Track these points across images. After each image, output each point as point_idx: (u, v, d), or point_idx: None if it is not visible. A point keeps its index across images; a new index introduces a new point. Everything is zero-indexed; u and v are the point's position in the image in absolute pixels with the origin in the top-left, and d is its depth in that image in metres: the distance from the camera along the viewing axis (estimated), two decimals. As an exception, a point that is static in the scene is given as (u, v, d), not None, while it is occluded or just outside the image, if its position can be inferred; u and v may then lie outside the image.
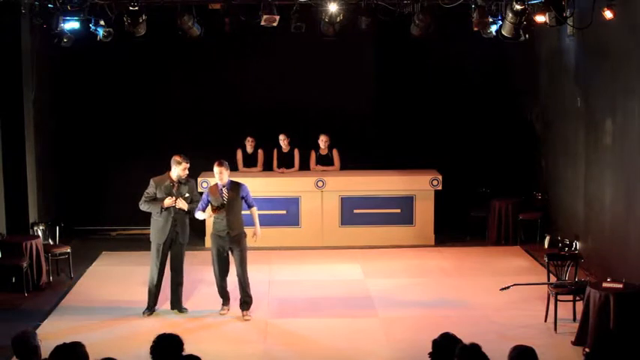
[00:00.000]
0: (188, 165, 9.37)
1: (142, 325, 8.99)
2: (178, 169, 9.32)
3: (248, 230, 9.49)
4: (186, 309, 9.58)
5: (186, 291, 9.85)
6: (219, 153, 13.00)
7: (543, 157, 13.06)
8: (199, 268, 11.04)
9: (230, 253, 9.43)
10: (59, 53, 12.03)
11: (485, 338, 6.35)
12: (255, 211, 9.55)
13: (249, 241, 9.49)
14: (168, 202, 9.28)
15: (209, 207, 9.42)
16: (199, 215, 9.45)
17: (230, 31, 11.56)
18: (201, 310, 9.61)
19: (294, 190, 12.51)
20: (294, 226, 12.59)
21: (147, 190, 9.43)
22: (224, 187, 9.36)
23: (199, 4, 11.07)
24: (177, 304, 9.57)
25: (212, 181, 11.96)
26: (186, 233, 9.54)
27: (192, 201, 9.48)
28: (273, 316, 9.45)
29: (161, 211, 9.33)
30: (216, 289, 9.54)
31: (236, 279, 9.41)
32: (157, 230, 9.44)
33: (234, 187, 9.41)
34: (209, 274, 10.84)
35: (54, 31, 10.57)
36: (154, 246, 9.50)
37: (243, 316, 9.37)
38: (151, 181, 9.46)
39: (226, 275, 9.50)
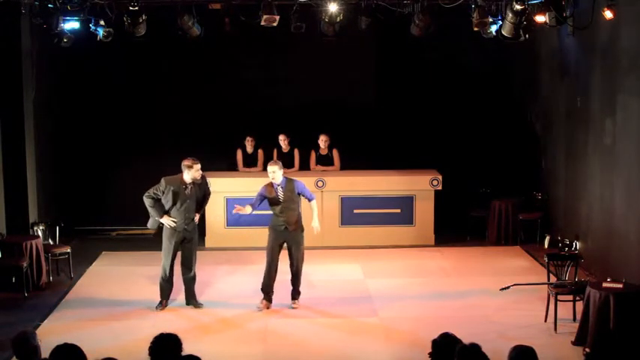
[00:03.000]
0: (199, 165, 9.48)
1: (142, 325, 8.97)
2: (192, 172, 9.42)
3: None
4: (201, 304, 9.68)
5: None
6: (219, 153, 13.10)
7: (543, 157, 13.06)
8: (200, 268, 11.03)
9: (287, 247, 9.64)
10: (59, 53, 12.02)
11: (485, 338, 6.34)
12: (314, 204, 9.85)
13: (312, 233, 9.79)
14: (166, 221, 9.41)
15: None
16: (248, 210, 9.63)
17: (230, 31, 11.56)
18: (201, 309, 9.62)
19: (294, 190, 12.49)
20: (294, 226, 12.57)
21: (156, 189, 9.46)
22: (279, 185, 9.54)
23: (199, 4, 11.07)
24: (191, 299, 9.69)
25: (213, 181, 12.00)
26: (196, 231, 9.70)
27: (205, 196, 9.74)
28: (273, 316, 9.44)
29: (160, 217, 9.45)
30: (262, 282, 9.66)
31: (290, 270, 9.69)
32: (167, 229, 9.51)
33: (289, 184, 9.63)
34: (209, 274, 10.89)
35: (54, 31, 10.57)
36: (167, 242, 9.54)
37: (293, 303, 9.65)
38: (163, 181, 9.49)
39: (275, 272, 9.65)
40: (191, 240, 9.62)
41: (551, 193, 12.69)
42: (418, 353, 7.46)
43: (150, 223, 9.68)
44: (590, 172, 11.03)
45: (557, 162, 12.46)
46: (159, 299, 9.64)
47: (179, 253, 9.64)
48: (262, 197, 9.61)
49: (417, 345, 7.91)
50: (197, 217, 9.68)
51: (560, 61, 12.20)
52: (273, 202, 9.57)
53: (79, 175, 13.59)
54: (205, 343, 8.38)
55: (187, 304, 9.68)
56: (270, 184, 9.60)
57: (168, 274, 9.59)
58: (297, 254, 9.63)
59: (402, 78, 13.86)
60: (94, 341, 8.09)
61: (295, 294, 9.75)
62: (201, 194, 9.64)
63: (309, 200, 9.79)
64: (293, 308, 9.63)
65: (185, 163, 9.43)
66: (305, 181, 12.42)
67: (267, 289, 9.64)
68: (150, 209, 9.47)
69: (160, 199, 9.45)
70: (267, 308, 9.60)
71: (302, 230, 9.69)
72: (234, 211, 9.75)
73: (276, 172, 9.52)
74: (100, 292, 10.38)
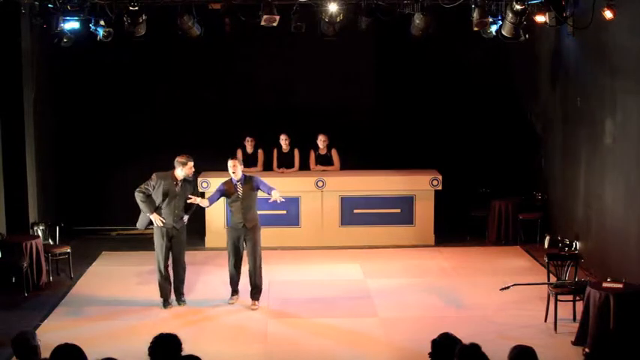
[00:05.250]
0: (193, 162, 9.55)
1: (142, 325, 8.97)
2: (185, 169, 9.49)
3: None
4: (184, 301, 9.73)
5: (187, 290, 9.91)
6: (219, 153, 13.04)
7: (543, 157, 13.06)
8: (200, 268, 11.06)
9: (244, 244, 9.67)
10: (59, 53, 12.02)
11: (485, 338, 6.35)
12: (276, 192, 9.70)
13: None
14: (155, 219, 9.45)
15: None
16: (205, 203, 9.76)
17: (230, 31, 11.57)
18: (201, 309, 9.62)
19: (294, 190, 12.49)
20: (294, 226, 12.58)
21: (147, 184, 9.51)
22: (239, 182, 9.58)
23: (199, 4, 11.07)
24: (180, 297, 9.74)
25: (213, 181, 12.03)
26: (184, 230, 9.71)
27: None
28: (273, 316, 9.45)
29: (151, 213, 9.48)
30: (229, 279, 9.81)
31: (247, 270, 9.70)
32: (157, 227, 9.55)
33: (248, 180, 9.65)
34: (209, 274, 10.90)
35: (54, 31, 10.59)
36: (158, 241, 9.56)
37: (252, 304, 9.61)
38: (154, 176, 9.56)
39: (240, 267, 9.75)
40: (179, 238, 9.64)
41: (551, 193, 12.69)
42: (418, 353, 7.46)
43: (139, 223, 9.71)
44: (590, 172, 11.03)
45: (556, 162, 12.46)
46: (159, 299, 9.65)
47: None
48: (221, 193, 9.68)
49: (417, 345, 7.91)
50: (186, 219, 9.68)
51: (560, 61, 12.20)
52: (232, 198, 9.61)
53: (79, 175, 13.58)
54: (205, 343, 8.39)
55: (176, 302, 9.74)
56: (230, 181, 9.64)
57: (164, 272, 9.63)
58: (253, 252, 9.60)
59: (401, 78, 13.85)
60: (94, 341, 8.09)
61: (256, 294, 9.68)
62: (190, 192, 9.64)
63: (269, 192, 9.67)
64: (252, 310, 9.56)
65: (179, 159, 9.49)
66: (305, 181, 12.58)
67: (235, 284, 9.81)
68: (141, 204, 9.49)
69: (151, 195, 9.49)
70: (237, 300, 9.79)
71: (259, 228, 9.71)
72: (189, 201, 9.60)
73: (237, 167, 9.57)
74: (100, 292, 10.38)
